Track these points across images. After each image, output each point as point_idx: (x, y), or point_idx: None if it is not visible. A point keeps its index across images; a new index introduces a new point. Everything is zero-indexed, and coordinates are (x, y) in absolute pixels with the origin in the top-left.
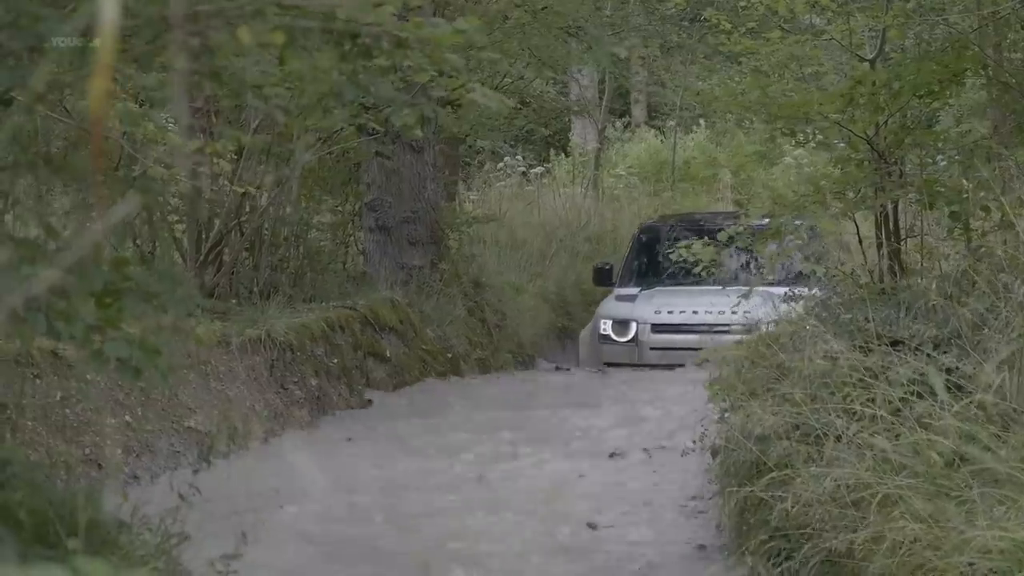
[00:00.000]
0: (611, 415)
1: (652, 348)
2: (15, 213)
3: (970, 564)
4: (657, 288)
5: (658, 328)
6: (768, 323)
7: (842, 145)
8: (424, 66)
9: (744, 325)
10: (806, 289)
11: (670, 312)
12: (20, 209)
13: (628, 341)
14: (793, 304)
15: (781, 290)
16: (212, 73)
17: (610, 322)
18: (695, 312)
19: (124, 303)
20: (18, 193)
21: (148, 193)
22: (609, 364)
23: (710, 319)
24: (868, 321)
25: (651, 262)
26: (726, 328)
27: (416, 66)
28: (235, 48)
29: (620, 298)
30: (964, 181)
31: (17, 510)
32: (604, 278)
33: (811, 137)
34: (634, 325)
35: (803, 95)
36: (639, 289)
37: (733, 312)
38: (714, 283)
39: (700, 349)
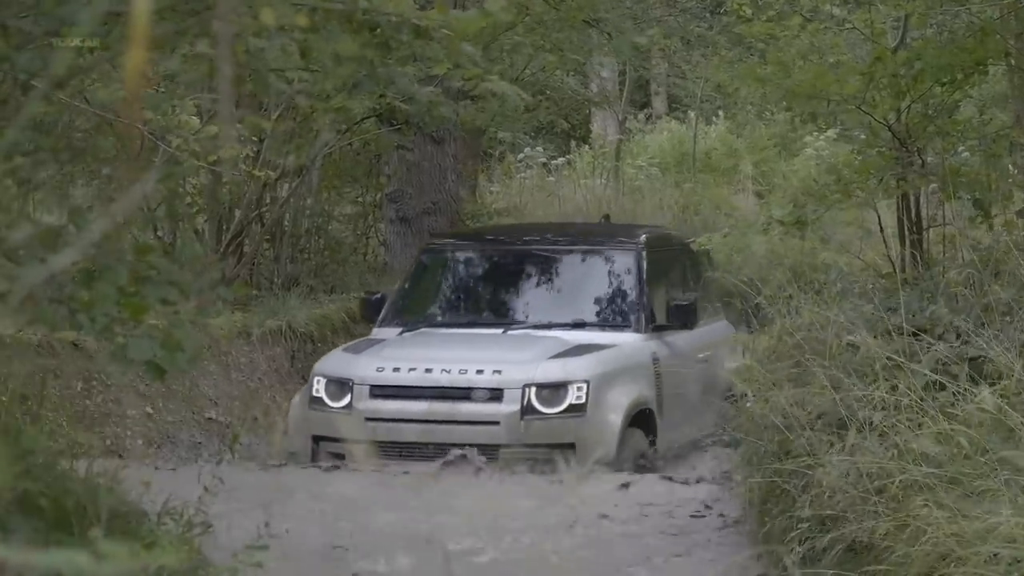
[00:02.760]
0: None
1: (369, 419)
2: (36, 200)
3: (994, 554)
4: (423, 330)
5: (378, 391)
6: (529, 386)
7: (863, 136)
8: (440, 57)
9: (492, 389)
10: (614, 336)
11: (396, 369)
12: (42, 195)
13: (343, 408)
14: (576, 360)
15: (584, 335)
16: (240, 57)
17: (323, 380)
18: (428, 370)
19: (147, 293)
20: (40, 179)
21: (170, 179)
22: (320, 439)
23: (445, 380)
24: (890, 310)
25: (431, 294)
26: (466, 393)
27: (433, 57)
28: (257, 29)
29: (356, 345)
30: (987, 170)
31: (38, 499)
32: (373, 312)
33: (831, 122)
34: (350, 386)
35: (820, 71)
36: (400, 330)
37: (479, 372)
38: (504, 325)
39: (431, 423)
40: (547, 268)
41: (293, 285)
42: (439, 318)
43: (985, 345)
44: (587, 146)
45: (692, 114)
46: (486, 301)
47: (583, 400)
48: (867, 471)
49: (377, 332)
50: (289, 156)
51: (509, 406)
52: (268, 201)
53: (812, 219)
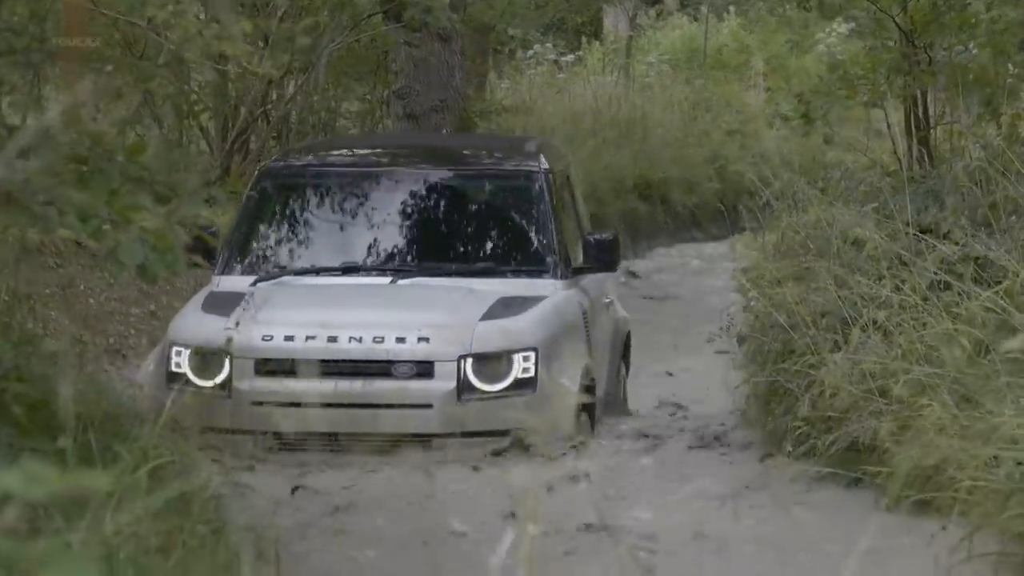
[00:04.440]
0: None
1: (255, 403)
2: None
3: (994, 456)
4: (285, 280)
5: (266, 367)
6: (464, 358)
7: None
8: None
9: (420, 362)
10: (530, 283)
11: (289, 337)
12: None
13: (217, 387)
14: (516, 321)
15: (497, 285)
16: None
17: (185, 351)
18: (332, 339)
19: (138, 196)
20: (15, 81)
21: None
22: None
23: (357, 351)
24: (896, 209)
25: (282, 232)
26: (385, 368)
27: None
28: None
29: (211, 302)
30: (994, 67)
31: (11, 404)
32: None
33: (839, 8)
34: (227, 360)
35: None
36: (252, 280)
37: (400, 340)
38: (390, 272)
39: (341, 407)
40: (430, 197)
41: None
42: (300, 264)
43: (991, 245)
44: (598, 43)
45: (704, 10)
46: (358, 241)
47: (532, 373)
48: (870, 371)
49: (220, 281)
50: (293, 56)
51: (442, 383)
52: (274, 98)
53: (819, 115)
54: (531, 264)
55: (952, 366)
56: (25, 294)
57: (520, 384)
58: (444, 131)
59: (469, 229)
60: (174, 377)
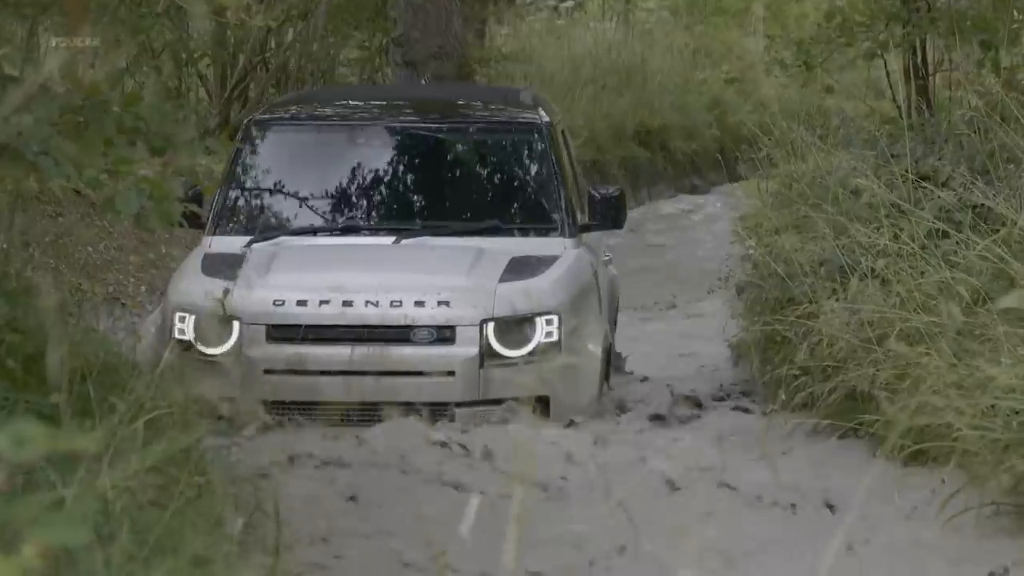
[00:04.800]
0: None
1: (268, 372)
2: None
3: (991, 405)
4: (283, 240)
5: (278, 333)
6: (487, 322)
7: None
8: None
9: (440, 327)
10: (540, 242)
11: (301, 302)
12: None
13: (225, 355)
14: (536, 282)
15: (505, 244)
16: None
17: (191, 317)
18: (347, 303)
19: (133, 147)
20: (12, 31)
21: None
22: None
23: (373, 315)
24: (895, 157)
25: (273, 187)
26: (404, 333)
27: None
28: None
29: (210, 264)
30: (994, 13)
31: (6, 357)
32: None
33: None
34: (235, 325)
35: None
36: (247, 240)
37: (419, 303)
38: (392, 231)
39: (357, 375)
40: (429, 152)
41: None
42: (295, 222)
43: (989, 193)
44: None
45: None
46: (356, 199)
47: (555, 338)
48: (868, 320)
49: (212, 242)
50: (292, 3)
51: (464, 349)
52: (273, 46)
53: (818, 63)
54: (539, 222)
55: (949, 316)
56: (23, 243)
57: (543, 349)
58: (423, 80)
59: (472, 185)
60: (180, 344)
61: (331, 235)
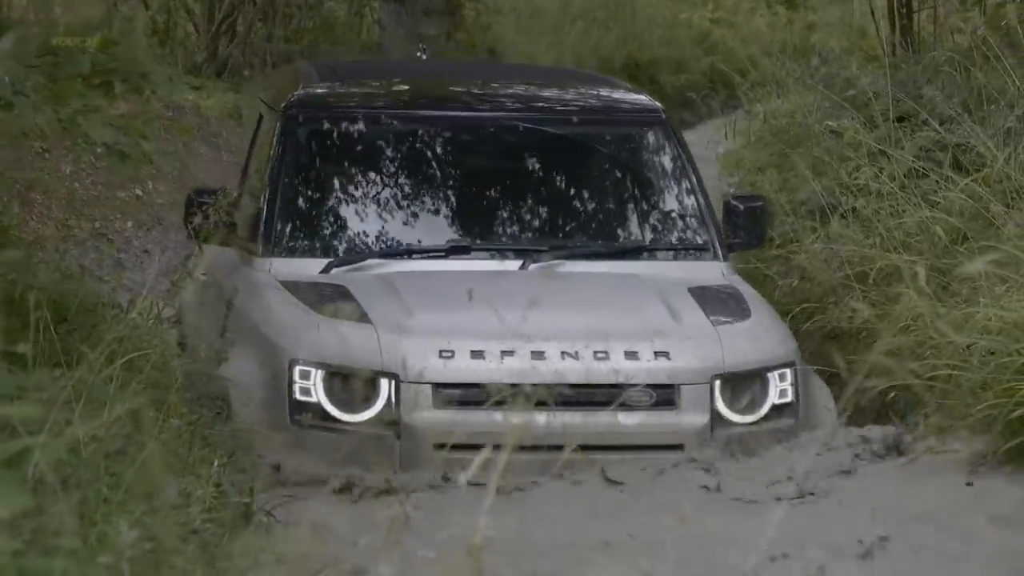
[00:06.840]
0: None
1: (438, 446)
2: None
3: (968, 346)
4: (370, 264)
5: (450, 395)
6: (716, 378)
7: None
8: None
9: (660, 387)
10: (694, 268)
11: (477, 353)
12: None
13: (369, 423)
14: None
15: (659, 269)
16: None
17: (317, 372)
18: (538, 353)
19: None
20: None
21: None
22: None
23: (574, 371)
24: (876, 96)
25: (341, 197)
26: (614, 393)
27: None
28: None
29: (312, 298)
30: None
31: None
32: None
33: None
34: (383, 384)
35: None
36: (325, 262)
37: (630, 354)
38: (520, 256)
39: (555, 450)
40: (536, 151)
41: (286, 64)
42: (388, 241)
43: (969, 132)
44: None
45: None
46: (457, 212)
47: (789, 397)
48: (848, 258)
49: (275, 266)
50: None
51: (692, 416)
52: None
53: (802, 1)
54: (687, 241)
55: (929, 254)
56: (9, 180)
57: (778, 411)
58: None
59: (601, 193)
60: (301, 408)
61: (436, 259)
